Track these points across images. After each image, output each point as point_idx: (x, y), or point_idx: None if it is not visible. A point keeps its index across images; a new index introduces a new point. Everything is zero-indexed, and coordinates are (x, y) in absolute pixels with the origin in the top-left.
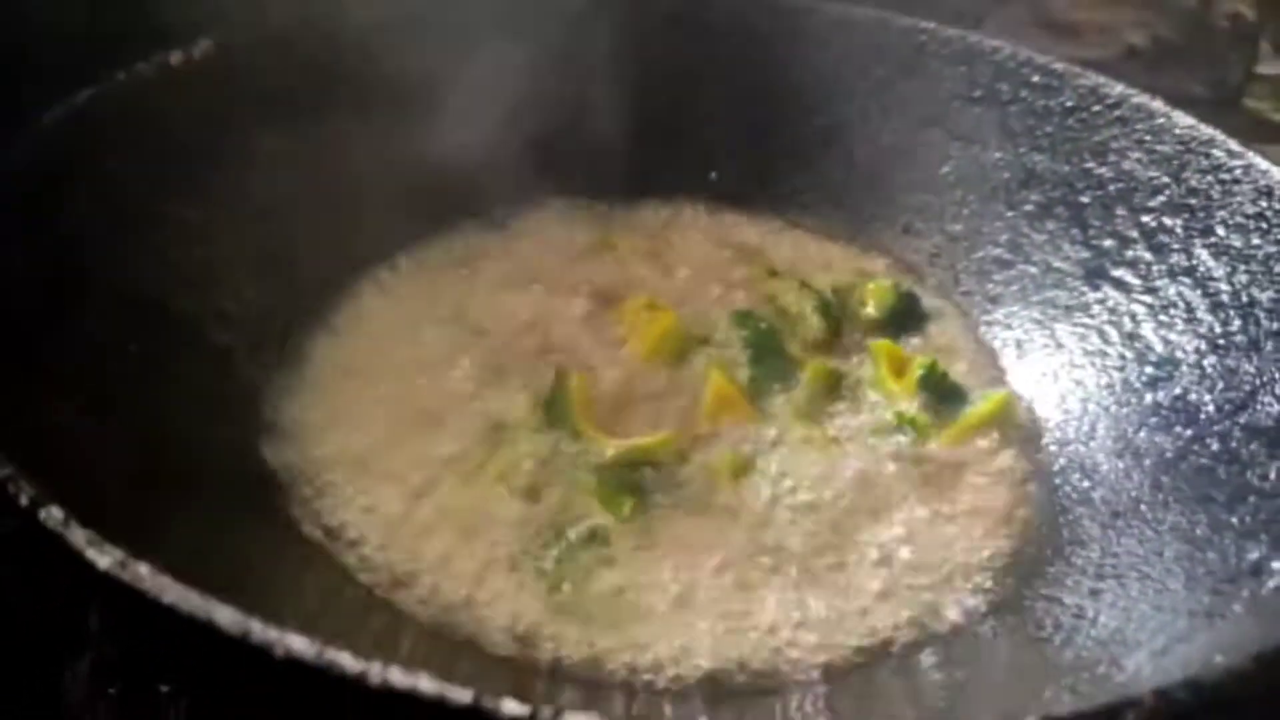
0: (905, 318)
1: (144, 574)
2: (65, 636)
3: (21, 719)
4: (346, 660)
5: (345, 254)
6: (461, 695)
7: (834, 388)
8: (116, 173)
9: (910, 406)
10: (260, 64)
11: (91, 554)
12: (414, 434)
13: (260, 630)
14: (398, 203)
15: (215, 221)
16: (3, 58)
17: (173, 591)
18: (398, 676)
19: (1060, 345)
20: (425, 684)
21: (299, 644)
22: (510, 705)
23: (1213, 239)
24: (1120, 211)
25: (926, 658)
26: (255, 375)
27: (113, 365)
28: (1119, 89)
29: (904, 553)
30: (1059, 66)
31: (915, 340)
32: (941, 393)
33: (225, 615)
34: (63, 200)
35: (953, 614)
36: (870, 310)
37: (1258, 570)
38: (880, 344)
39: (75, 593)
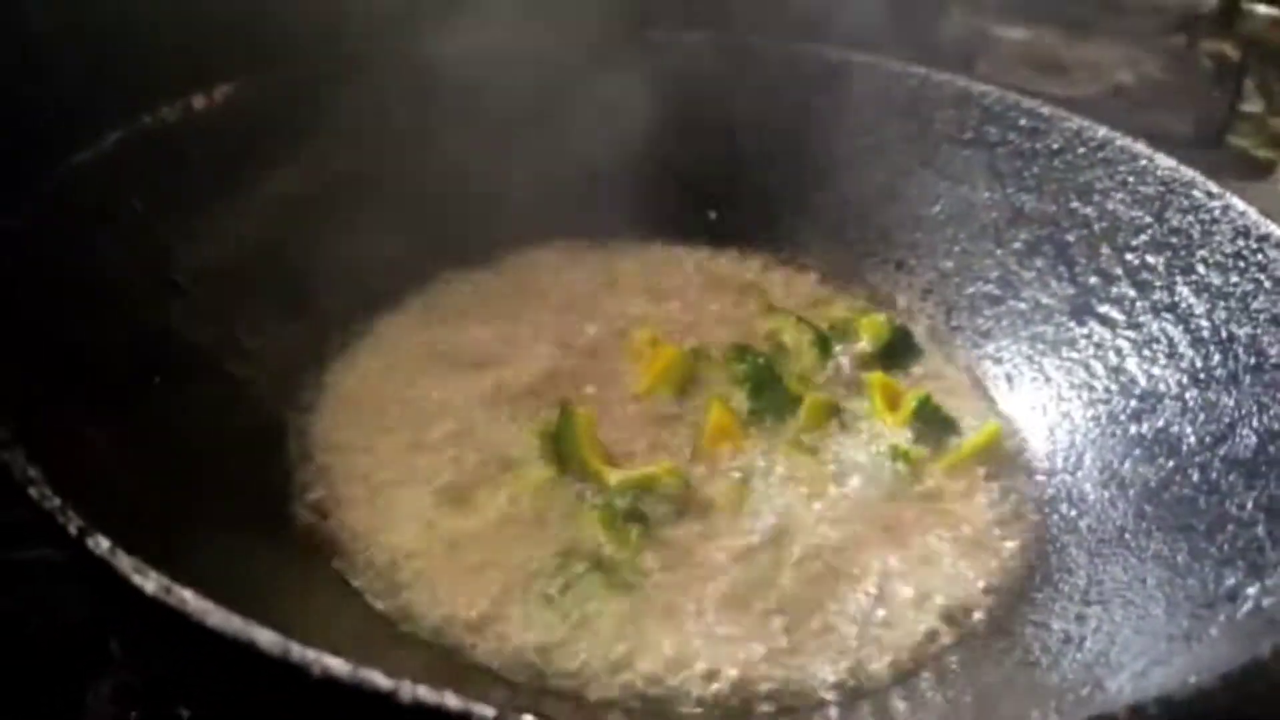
0: (899, 352)
1: (188, 598)
2: (87, 660)
3: None
4: (379, 679)
5: (360, 292)
6: (485, 711)
7: (830, 420)
8: (141, 211)
9: (904, 439)
10: (277, 108)
11: (137, 579)
12: (425, 467)
13: (299, 651)
14: (409, 243)
15: (234, 259)
16: (37, 105)
17: (215, 615)
18: (426, 694)
19: (1048, 379)
20: (451, 700)
21: (334, 664)
22: None
23: (1193, 276)
24: (1105, 250)
25: (920, 682)
26: (274, 408)
27: (140, 398)
28: (1103, 132)
29: (898, 580)
30: (1045, 110)
31: (909, 373)
32: (934, 425)
33: (265, 637)
34: (91, 237)
35: (945, 639)
36: (865, 345)
37: (1233, 596)
38: (875, 377)
39: (97, 618)
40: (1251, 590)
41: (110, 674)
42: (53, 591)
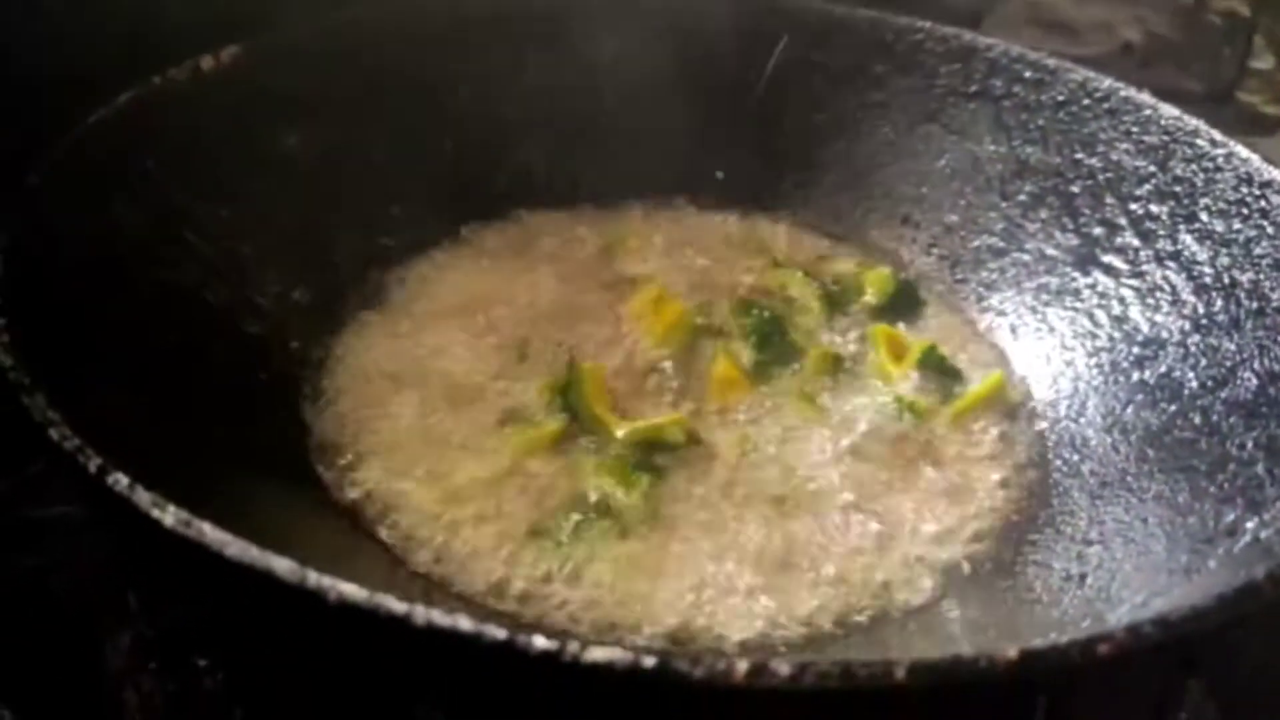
0: (904, 304)
1: (206, 529)
2: (106, 614)
3: (66, 689)
4: (393, 603)
5: (373, 249)
6: (497, 632)
7: (836, 372)
8: (154, 171)
9: (909, 389)
10: (286, 68)
11: (156, 513)
12: (437, 418)
13: (315, 578)
14: (420, 202)
15: (246, 218)
16: (51, 67)
17: (234, 546)
18: (439, 617)
19: (1052, 328)
20: (464, 623)
21: (350, 589)
22: (540, 640)
23: (1196, 225)
24: (1109, 200)
25: (924, 620)
26: (289, 365)
27: (156, 355)
28: (1107, 83)
29: (903, 526)
30: (1050, 62)
31: (914, 326)
32: (939, 374)
33: (282, 565)
34: (105, 196)
35: (949, 580)
36: (870, 298)
37: (1233, 530)
38: (879, 329)
39: (115, 572)
40: (1250, 524)
41: (128, 627)
42: (71, 548)
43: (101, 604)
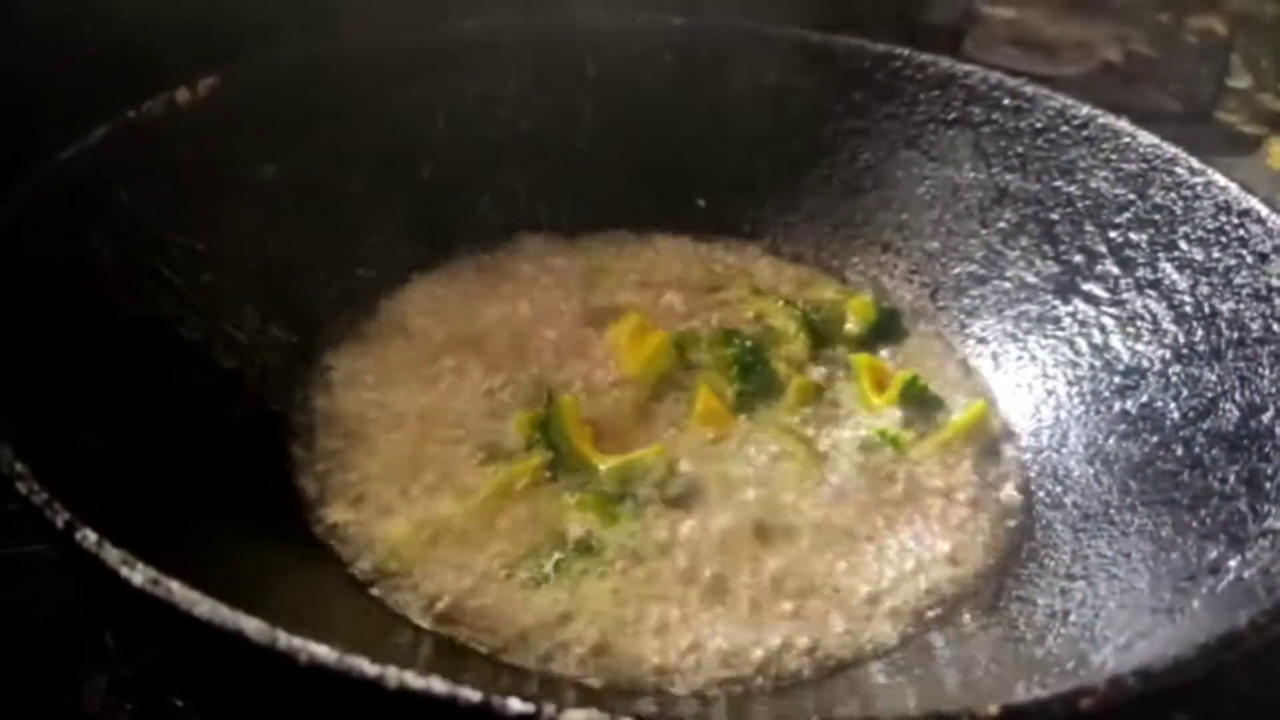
0: (885, 332)
1: (175, 589)
2: (83, 653)
3: None
4: (365, 665)
5: (350, 282)
6: (472, 695)
7: (818, 403)
8: (128, 204)
9: (892, 421)
10: (262, 98)
11: (125, 572)
12: (416, 454)
13: (285, 639)
14: (398, 232)
15: (222, 250)
16: (22, 98)
17: (203, 605)
18: (412, 679)
19: (1033, 357)
20: (438, 685)
21: (321, 651)
22: (516, 704)
23: (1176, 253)
24: (1089, 228)
25: (904, 657)
26: (265, 400)
27: (129, 392)
28: (1085, 110)
29: (883, 560)
30: (1029, 89)
31: (896, 354)
32: (921, 405)
33: (253, 626)
34: (79, 230)
35: (930, 616)
36: (852, 326)
37: (1215, 568)
38: (861, 358)
39: (92, 611)
40: (1233, 562)
41: (106, 667)
42: (49, 585)
43: (79, 643)
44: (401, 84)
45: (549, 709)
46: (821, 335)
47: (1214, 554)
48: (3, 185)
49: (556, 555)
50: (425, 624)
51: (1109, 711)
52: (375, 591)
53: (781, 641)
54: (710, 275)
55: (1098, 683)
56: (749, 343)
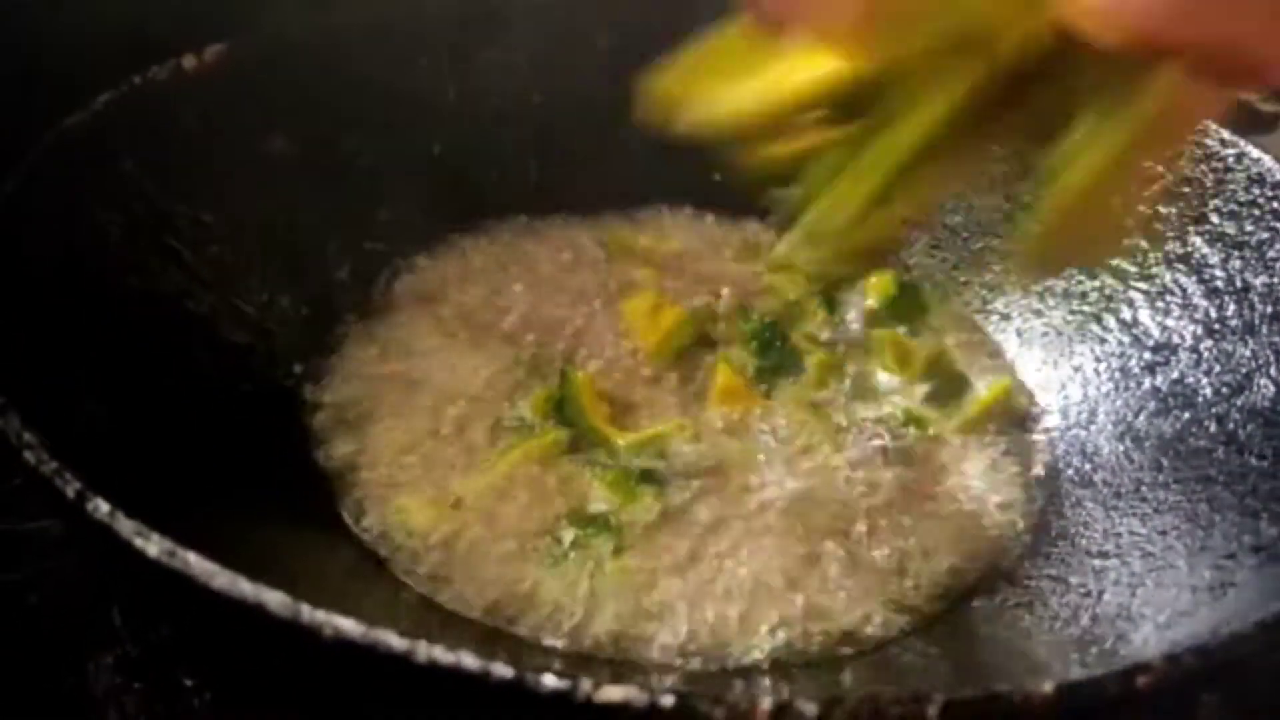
0: (907, 308)
1: (192, 560)
2: (90, 632)
3: (48, 711)
4: (393, 639)
5: (360, 255)
6: (504, 671)
7: (839, 378)
8: (134, 174)
9: (915, 398)
10: (272, 67)
11: (139, 543)
12: (430, 430)
13: (309, 613)
14: (409, 206)
15: (229, 222)
16: (25, 65)
17: (222, 578)
18: (442, 654)
19: (1059, 333)
20: (469, 661)
21: (347, 625)
22: (550, 680)
23: (1207, 226)
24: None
25: (935, 637)
26: (277, 374)
27: (138, 365)
28: None
29: (910, 538)
30: None
31: (917, 329)
32: (945, 381)
33: (274, 599)
34: (83, 201)
35: (959, 596)
36: (872, 301)
37: (1257, 546)
38: (884, 334)
39: (99, 589)
40: (1276, 539)
41: (113, 645)
42: (54, 563)
43: (84, 622)
44: (412, 56)
45: (585, 685)
46: (841, 310)
47: (1254, 531)
48: (6, 156)
49: (575, 532)
50: (440, 600)
51: (1164, 689)
52: (391, 567)
53: (810, 620)
54: (728, 251)
55: (1153, 660)
56: (768, 318)
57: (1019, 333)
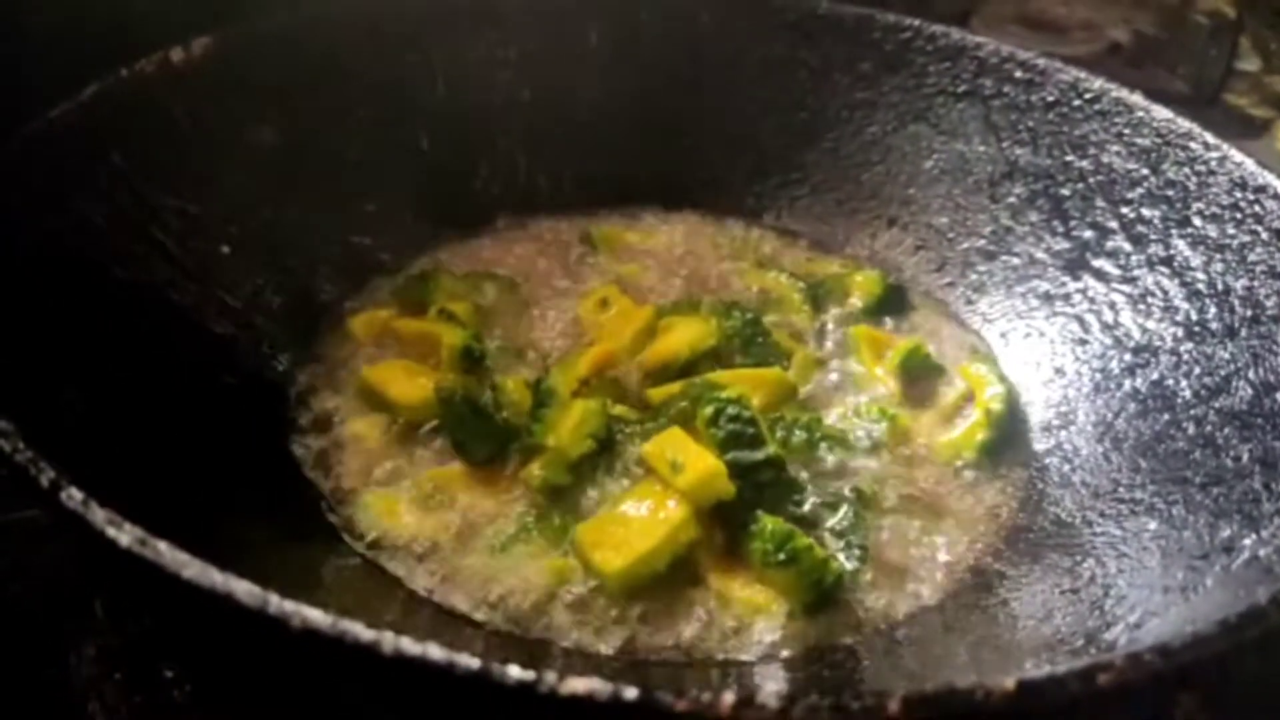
0: (891, 308)
1: (163, 550)
2: (71, 622)
3: (28, 701)
4: (360, 630)
5: (346, 249)
6: (470, 663)
7: (820, 375)
8: (120, 166)
9: (891, 391)
10: (259, 60)
11: (112, 532)
12: (406, 422)
13: (278, 603)
14: (396, 200)
15: (215, 214)
16: (12, 55)
17: (193, 567)
18: (408, 645)
19: (1042, 334)
20: (435, 652)
21: (315, 615)
22: (515, 671)
23: (1189, 229)
24: (1100, 203)
25: (912, 636)
26: (258, 367)
27: (120, 357)
28: (1098, 83)
29: (886, 537)
30: (1041, 62)
31: (901, 329)
32: (923, 374)
33: (243, 589)
34: (68, 192)
35: (936, 595)
36: (856, 301)
37: (1229, 547)
38: (860, 330)
39: (81, 579)
40: (1247, 541)
41: (94, 635)
42: (36, 554)
43: (66, 612)
44: (401, 49)
45: (550, 677)
46: (825, 309)
47: (1227, 533)
48: None
49: (543, 519)
50: (420, 589)
51: (1127, 687)
52: (368, 555)
53: (778, 614)
54: (714, 249)
55: (1115, 658)
56: (750, 314)
57: (1002, 334)
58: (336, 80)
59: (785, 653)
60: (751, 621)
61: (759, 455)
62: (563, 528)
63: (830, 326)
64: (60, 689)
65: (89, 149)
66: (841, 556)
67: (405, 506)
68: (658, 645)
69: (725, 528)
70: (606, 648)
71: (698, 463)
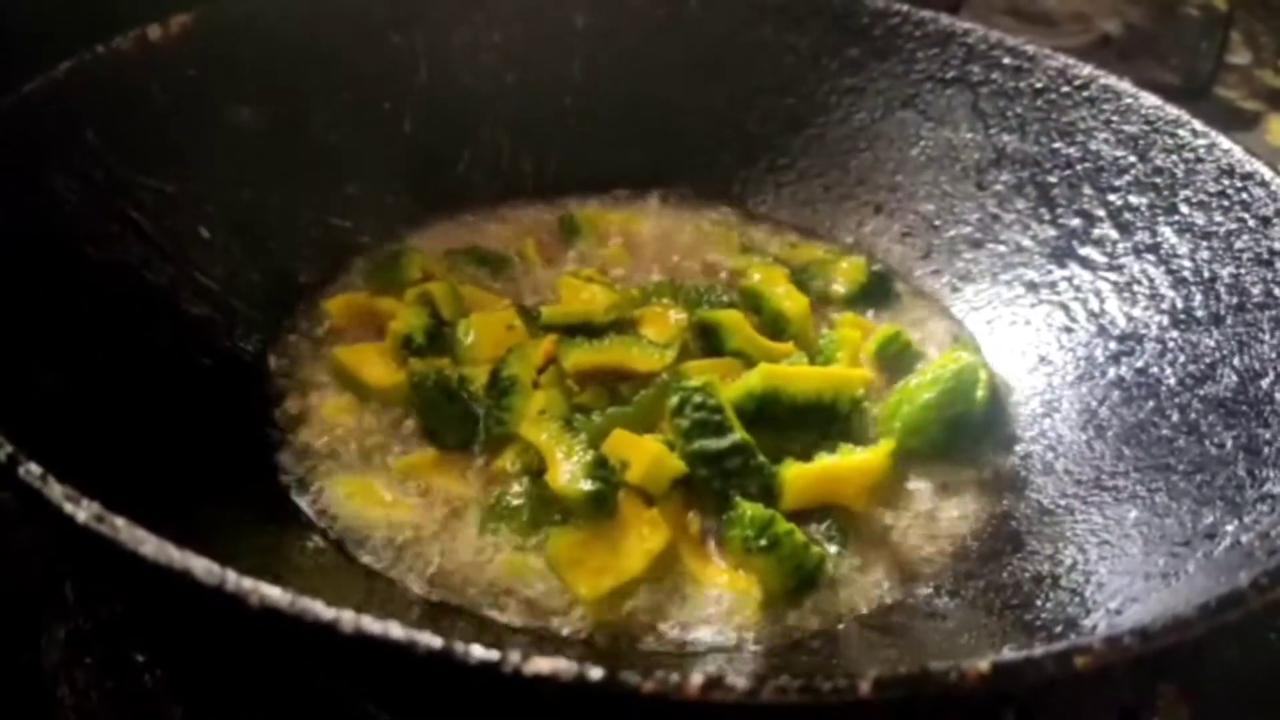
0: (875, 294)
1: (120, 526)
2: (42, 606)
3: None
4: (319, 608)
5: (326, 231)
6: (432, 642)
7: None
8: (95, 143)
9: (868, 378)
10: (238, 38)
11: (69, 508)
12: (379, 405)
13: (235, 580)
14: (377, 182)
15: (192, 194)
16: None
17: (150, 544)
18: (369, 624)
19: (1028, 322)
20: (395, 631)
21: (273, 593)
22: (478, 650)
23: (1176, 217)
24: (1087, 191)
25: (890, 620)
26: (232, 347)
27: (89, 332)
28: (1087, 70)
29: (871, 521)
30: (1029, 48)
31: (886, 317)
32: (902, 360)
33: (201, 566)
34: (42, 169)
35: (917, 582)
36: (839, 287)
37: (1211, 534)
38: (845, 317)
39: (50, 563)
40: (1230, 528)
41: (65, 620)
42: (6, 537)
43: (37, 596)
44: (383, 31)
45: (514, 657)
46: (809, 295)
47: (1210, 520)
48: None
49: (512, 509)
50: (388, 574)
51: (1104, 671)
52: (337, 539)
53: (756, 600)
54: (699, 234)
55: (1093, 641)
56: (726, 296)
57: (988, 321)
58: (318, 60)
59: (762, 640)
60: (728, 608)
61: (725, 442)
62: (532, 519)
63: (816, 313)
64: (30, 673)
65: (63, 126)
66: (822, 542)
67: (376, 491)
68: (630, 632)
69: (704, 517)
70: (575, 634)
71: (640, 453)
